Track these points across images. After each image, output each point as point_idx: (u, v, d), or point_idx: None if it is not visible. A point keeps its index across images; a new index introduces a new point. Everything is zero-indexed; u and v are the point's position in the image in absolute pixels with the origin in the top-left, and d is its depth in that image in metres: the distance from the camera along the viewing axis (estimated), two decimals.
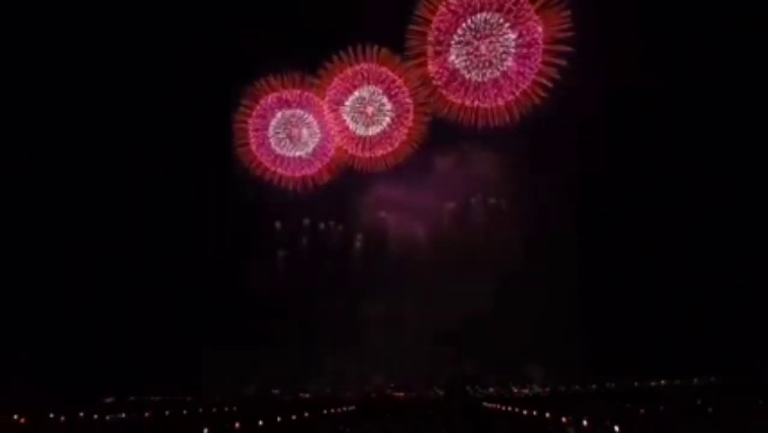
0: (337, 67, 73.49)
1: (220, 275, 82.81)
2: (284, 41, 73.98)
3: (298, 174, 78.98)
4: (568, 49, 65.64)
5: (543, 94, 68.09)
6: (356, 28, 71.41)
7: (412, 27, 68.27)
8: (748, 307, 70.85)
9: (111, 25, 73.20)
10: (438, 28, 68.17)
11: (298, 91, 75.89)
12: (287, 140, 77.80)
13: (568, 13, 64.89)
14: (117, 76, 76.23)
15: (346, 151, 77.39)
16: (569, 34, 65.26)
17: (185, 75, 75.77)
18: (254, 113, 76.86)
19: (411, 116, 74.58)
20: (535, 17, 66.18)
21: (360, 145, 76.60)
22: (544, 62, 67.20)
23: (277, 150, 78.12)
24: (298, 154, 78.38)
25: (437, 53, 69.23)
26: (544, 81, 67.40)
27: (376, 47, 71.89)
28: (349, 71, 73.48)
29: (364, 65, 72.75)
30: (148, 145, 79.27)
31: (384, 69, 72.72)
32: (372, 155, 76.58)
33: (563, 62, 66.29)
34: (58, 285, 79.48)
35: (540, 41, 66.64)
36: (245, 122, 77.38)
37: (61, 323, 79.10)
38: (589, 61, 65.86)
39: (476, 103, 70.02)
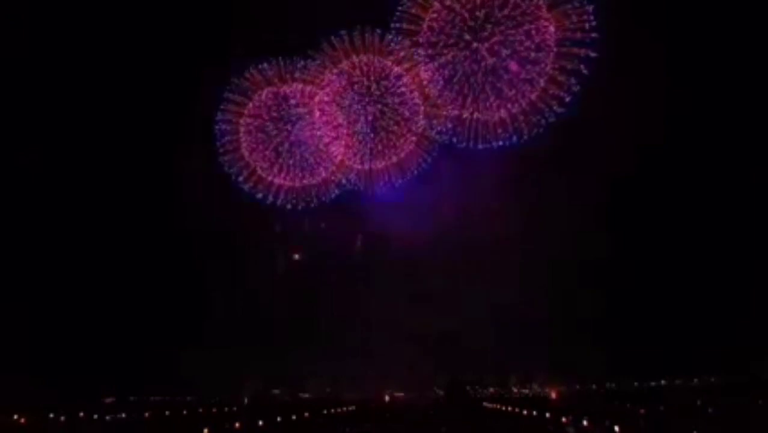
0: (331, 57, 63.31)
1: (221, 275, 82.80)
2: (276, 25, 65.35)
3: (298, 184, 68.99)
4: (588, 52, 57.17)
5: (555, 106, 59.55)
6: (353, 9, 61.34)
7: (400, 25, 59.06)
8: (749, 307, 70.79)
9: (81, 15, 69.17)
10: (430, 27, 58.62)
11: (300, 86, 65.22)
12: (286, 145, 67.83)
13: (590, 8, 55.61)
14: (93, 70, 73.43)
15: (344, 162, 67.93)
16: (590, 35, 56.25)
17: (167, 66, 70.29)
18: (246, 112, 66.65)
19: (421, 120, 64.26)
20: (547, 15, 56.59)
21: (360, 156, 66.50)
22: (556, 68, 58.52)
23: (274, 156, 67.88)
24: (299, 161, 68.15)
25: (430, 57, 59.90)
26: (557, 90, 58.83)
27: (378, 32, 60.75)
28: (345, 64, 62.97)
29: (363, 57, 62.36)
30: (143, 144, 78.81)
31: (388, 62, 62.27)
32: (374, 167, 66.93)
33: (581, 68, 57.42)
34: (59, 285, 79.45)
35: (552, 43, 57.55)
36: (236, 123, 67.26)
37: (61, 323, 79.13)
38: (612, 66, 58.02)
39: (475, 115, 61.11)
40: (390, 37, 61.61)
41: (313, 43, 64.80)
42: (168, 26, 72.34)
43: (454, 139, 63.44)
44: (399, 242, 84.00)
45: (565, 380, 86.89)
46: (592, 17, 56.21)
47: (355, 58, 62.87)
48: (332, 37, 62.73)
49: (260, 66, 65.95)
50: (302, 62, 65.61)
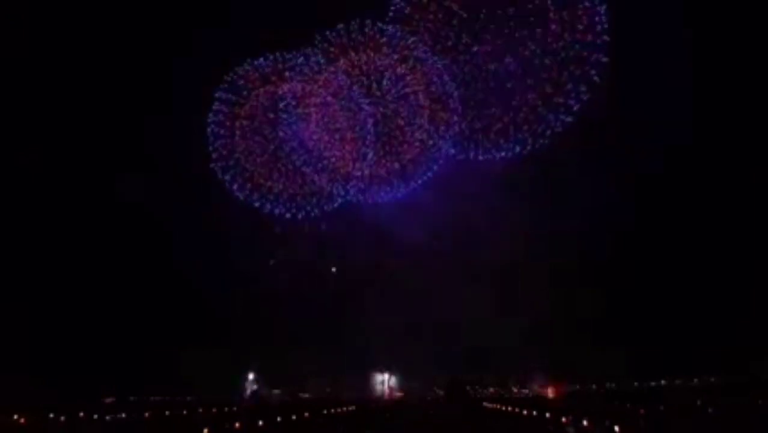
0: (328, 53, 57.32)
1: (221, 276, 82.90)
2: (271, 20, 62.81)
3: (299, 191, 64.19)
4: (599, 56, 51.30)
5: (562, 114, 54.05)
6: (350, 4, 56.43)
7: (394, 26, 53.29)
8: (749, 307, 70.89)
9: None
10: (427, 29, 53.34)
11: (298, 85, 59.82)
12: (286, 149, 62.94)
13: (601, 9, 49.83)
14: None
15: (344, 167, 62.52)
16: (602, 37, 50.58)
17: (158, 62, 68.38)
18: (242, 113, 61.31)
19: (425, 125, 58.50)
20: (553, 16, 51.37)
21: (361, 161, 61.29)
22: (564, 73, 52.89)
23: (272, 161, 62.83)
24: (299, 166, 63.02)
25: (426, 61, 54.61)
26: (564, 98, 53.08)
27: (378, 26, 54.26)
28: (343, 62, 57.01)
29: (363, 54, 56.63)
30: (141, 145, 78.85)
31: (388, 60, 56.32)
32: (374, 173, 61.67)
33: (592, 74, 51.54)
34: (59, 285, 79.52)
35: (559, 47, 52.19)
36: (230, 125, 61.81)
37: (61, 323, 79.21)
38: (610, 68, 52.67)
39: (476, 123, 56.43)
40: (388, 31, 56.21)
41: (310, 38, 60.35)
42: (165, 24, 72.73)
43: (452, 150, 59.07)
44: (399, 242, 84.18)
45: (565, 380, 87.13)
46: (603, 18, 51.01)
47: (353, 56, 57.72)
48: (329, 33, 57.72)
49: (255, 62, 60.98)
50: (299, 58, 60.86)
